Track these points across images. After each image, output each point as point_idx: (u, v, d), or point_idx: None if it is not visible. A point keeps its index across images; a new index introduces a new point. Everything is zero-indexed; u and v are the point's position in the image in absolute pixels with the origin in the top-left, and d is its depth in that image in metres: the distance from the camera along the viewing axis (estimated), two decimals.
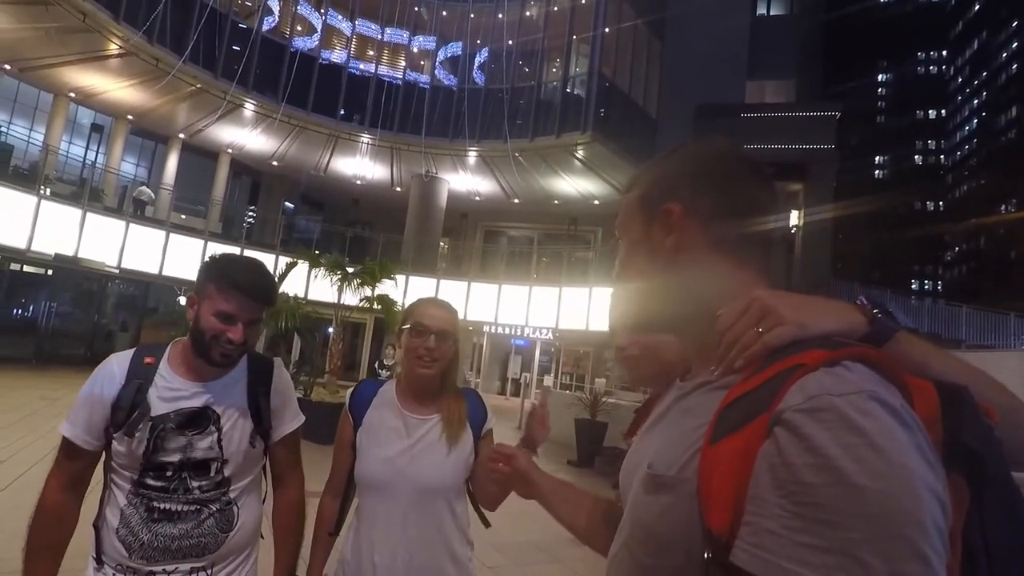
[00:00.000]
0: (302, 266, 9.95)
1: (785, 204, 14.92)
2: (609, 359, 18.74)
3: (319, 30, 17.93)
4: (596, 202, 19.03)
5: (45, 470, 1.36)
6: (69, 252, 13.29)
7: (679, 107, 16.87)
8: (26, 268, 14.93)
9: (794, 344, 0.53)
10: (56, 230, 12.98)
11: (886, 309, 0.60)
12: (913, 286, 62.90)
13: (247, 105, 16.23)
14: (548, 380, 18.74)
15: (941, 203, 66.34)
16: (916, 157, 71.78)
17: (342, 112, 17.48)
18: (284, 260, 11.69)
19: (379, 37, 18.61)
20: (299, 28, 17.92)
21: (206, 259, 1.44)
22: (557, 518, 0.99)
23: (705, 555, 0.49)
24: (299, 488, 1.56)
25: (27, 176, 14.26)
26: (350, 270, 9.87)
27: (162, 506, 1.29)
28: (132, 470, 1.30)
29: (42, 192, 13.05)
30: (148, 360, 1.36)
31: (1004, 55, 57.16)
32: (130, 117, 17.73)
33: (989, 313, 14.04)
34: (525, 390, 15.51)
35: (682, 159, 0.69)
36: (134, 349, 1.41)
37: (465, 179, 19.34)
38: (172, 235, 15.17)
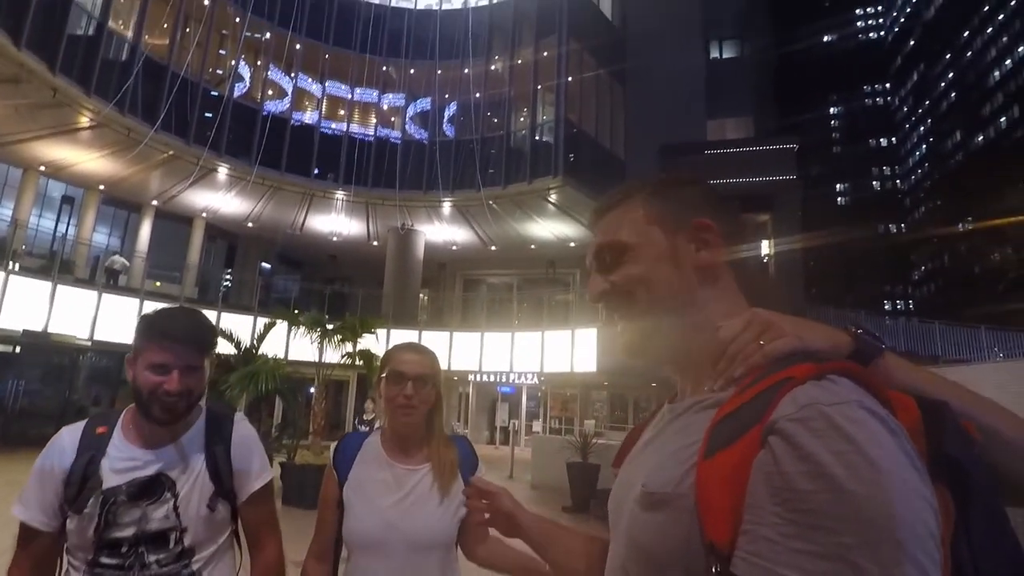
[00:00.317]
0: (281, 326, 9.81)
1: (755, 234, 15.34)
2: (597, 400, 18.63)
3: (290, 93, 18.29)
4: (572, 244, 19.26)
5: (9, 561, 1.26)
6: (38, 327, 12.92)
7: (645, 147, 17.39)
8: None
9: (784, 359, 0.55)
10: (25, 305, 12.65)
11: (871, 332, 0.63)
12: (886, 306, 64.41)
13: (220, 169, 16.29)
14: (537, 426, 18.49)
15: (903, 225, 68.95)
16: (874, 183, 75.03)
17: (316, 171, 17.66)
18: (263, 321, 11.52)
19: (349, 97, 19.04)
20: (270, 92, 18.24)
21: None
22: (548, 561, 0.94)
23: (712, 569, 0.49)
24: (277, 549, 1.43)
25: None
26: (330, 327, 9.76)
27: None
28: (85, 550, 1.21)
29: (10, 267, 12.79)
30: (100, 430, 1.28)
31: (942, 84, 61.09)
32: (102, 187, 17.62)
33: (960, 328, 14.39)
34: (514, 437, 15.23)
35: (690, 180, 0.72)
36: (86, 420, 1.33)
37: (441, 229, 19.50)
38: (147, 302, 14.83)
